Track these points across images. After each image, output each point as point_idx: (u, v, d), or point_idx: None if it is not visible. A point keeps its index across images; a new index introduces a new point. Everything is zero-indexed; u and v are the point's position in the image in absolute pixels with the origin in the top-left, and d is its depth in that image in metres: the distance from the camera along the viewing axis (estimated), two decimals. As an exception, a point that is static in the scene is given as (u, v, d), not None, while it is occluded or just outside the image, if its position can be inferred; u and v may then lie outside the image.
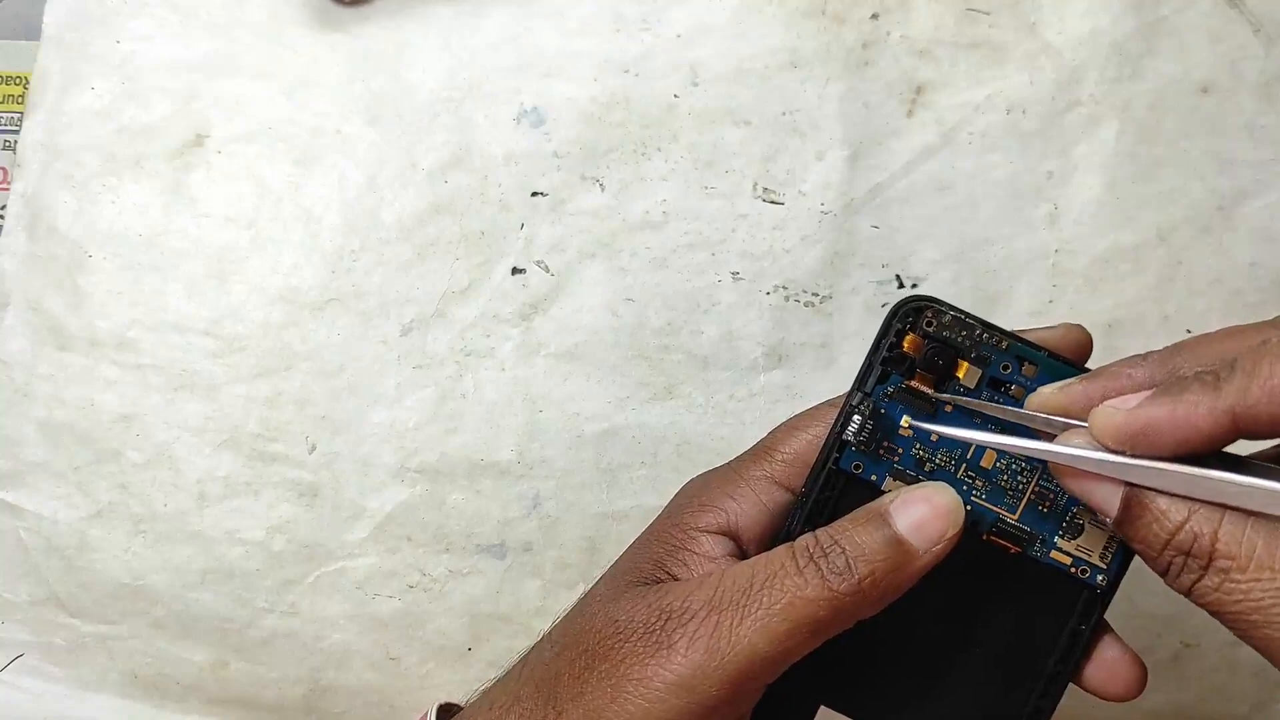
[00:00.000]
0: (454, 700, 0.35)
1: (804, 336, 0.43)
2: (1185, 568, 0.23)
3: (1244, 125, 0.42)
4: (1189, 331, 0.42)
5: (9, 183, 0.45)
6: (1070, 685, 0.28)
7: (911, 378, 0.28)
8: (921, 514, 0.25)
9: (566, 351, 0.43)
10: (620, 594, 0.27)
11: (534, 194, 0.43)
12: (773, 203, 0.43)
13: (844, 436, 0.28)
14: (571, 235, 0.43)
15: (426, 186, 0.43)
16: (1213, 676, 0.42)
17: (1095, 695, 0.28)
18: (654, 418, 0.43)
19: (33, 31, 0.45)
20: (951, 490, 0.26)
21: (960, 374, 0.27)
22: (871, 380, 0.28)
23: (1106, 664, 0.28)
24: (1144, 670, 0.28)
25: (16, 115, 0.46)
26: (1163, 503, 0.23)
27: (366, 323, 0.43)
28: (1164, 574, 0.24)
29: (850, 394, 0.28)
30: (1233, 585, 0.22)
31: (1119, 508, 0.24)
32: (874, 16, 0.43)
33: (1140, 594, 0.41)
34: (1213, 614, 0.23)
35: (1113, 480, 0.24)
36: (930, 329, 0.27)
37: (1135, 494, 0.23)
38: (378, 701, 0.43)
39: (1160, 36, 0.43)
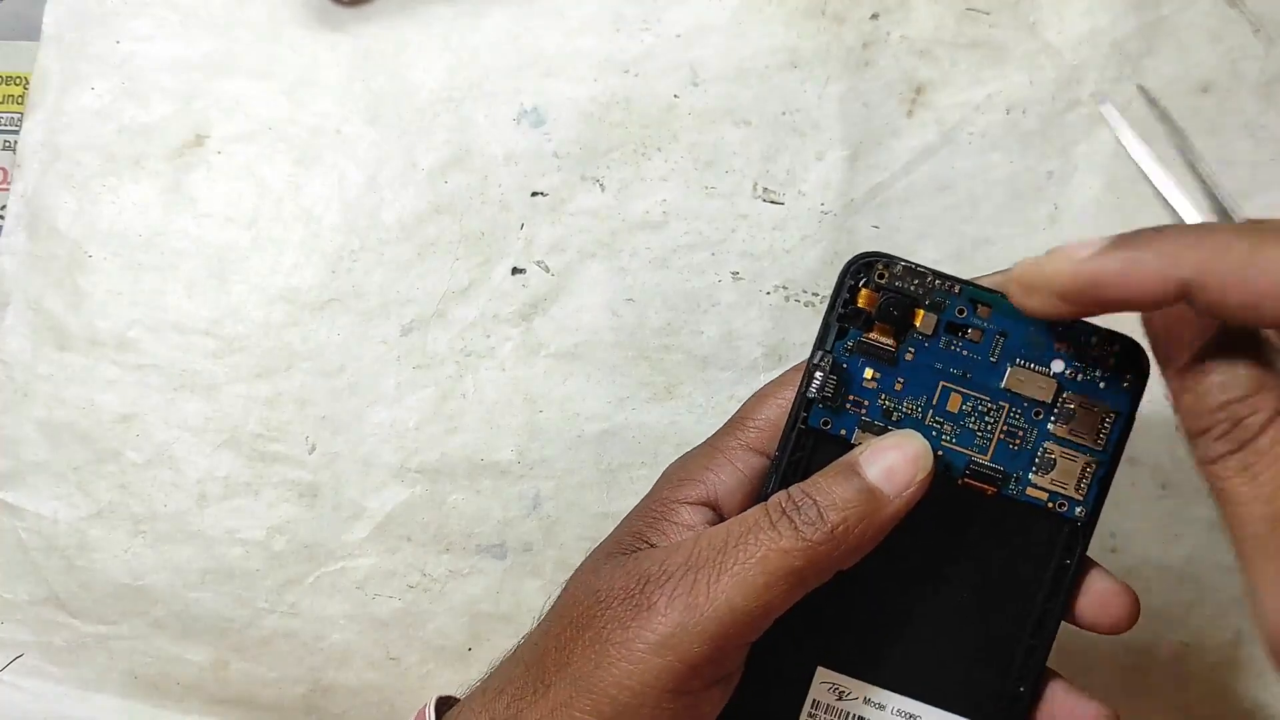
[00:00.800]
0: (452, 695, 0.35)
1: (804, 336, 0.43)
2: (1227, 437, 0.22)
3: (1244, 125, 0.42)
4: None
5: (9, 183, 0.45)
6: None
7: (870, 331, 0.28)
8: (890, 461, 0.26)
9: (566, 351, 0.43)
10: (600, 565, 0.28)
11: (534, 194, 0.43)
12: (773, 203, 0.43)
13: (809, 394, 0.28)
14: (571, 235, 0.43)
15: (426, 186, 0.43)
16: (1213, 676, 0.42)
17: (1091, 630, 0.28)
18: (654, 418, 0.43)
19: (33, 31, 0.45)
20: (919, 436, 0.27)
21: (917, 322, 0.28)
22: (831, 338, 0.28)
23: (1097, 597, 0.28)
24: (1135, 600, 0.28)
25: (16, 115, 0.46)
26: (1238, 368, 0.22)
27: (366, 323, 0.43)
28: (1201, 434, 0.23)
29: (812, 354, 0.29)
30: (1257, 472, 0.22)
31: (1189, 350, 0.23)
32: (874, 16, 0.43)
33: (1140, 592, 0.41)
34: (1218, 492, 0.23)
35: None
36: (883, 281, 0.28)
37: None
38: (378, 701, 0.43)
39: (1160, 36, 0.43)
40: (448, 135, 0.44)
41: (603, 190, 0.43)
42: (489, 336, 0.43)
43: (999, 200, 0.43)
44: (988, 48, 0.43)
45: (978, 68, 0.43)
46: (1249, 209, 0.42)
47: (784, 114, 0.43)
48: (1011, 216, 0.43)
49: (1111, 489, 0.28)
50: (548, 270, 0.43)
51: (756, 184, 0.43)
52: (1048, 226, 0.42)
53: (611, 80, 0.43)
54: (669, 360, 0.43)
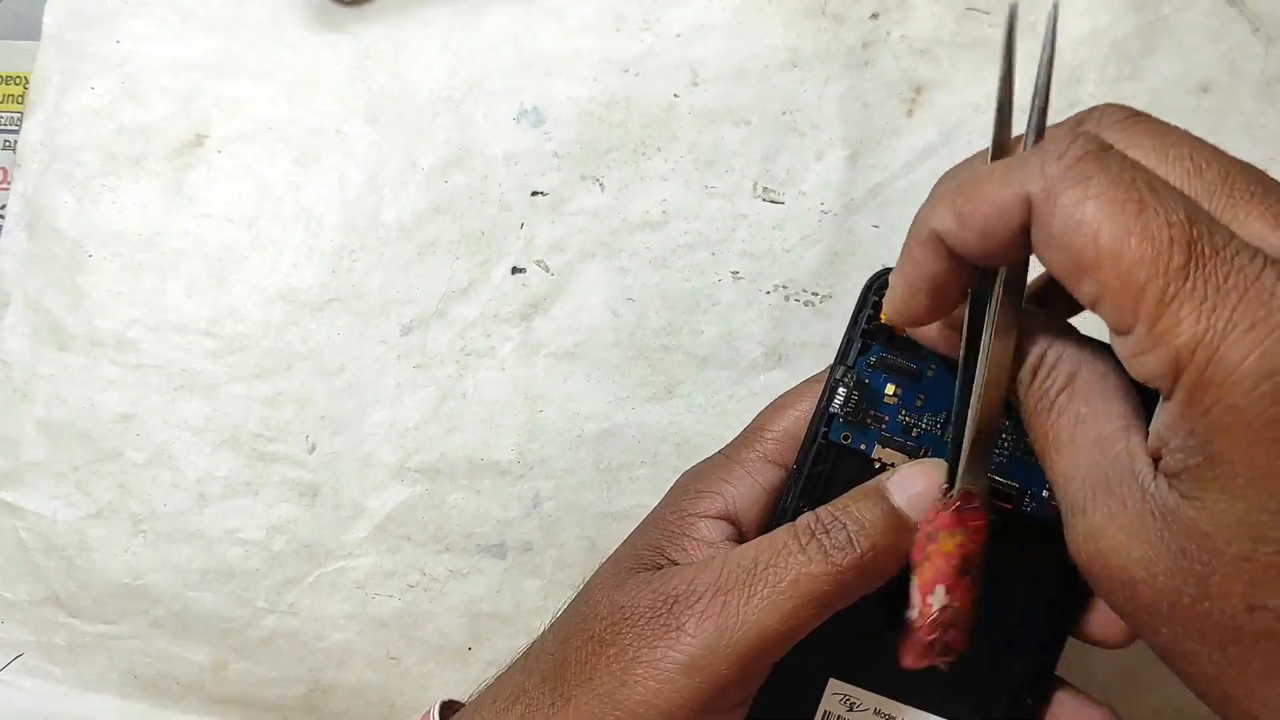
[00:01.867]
0: (456, 699, 0.35)
1: (804, 336, 0.43)
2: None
3: (1244, 125, 0.42)
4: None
5: (9, 183, 0.45)
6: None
7: (892, 347, 0.28)
8: (918, 488, 0.26)
9: (566, 351, 0.43)
10: (623, 581, 0.28)
11: (534, 194, 0.43)
12: (773, 202, 0.43)
13: (831, 410, 0.28)
14: (571, 235, 0.43)
15: (426, 186, 0.43)
16: (1213, 676, 0.42)
17: (1096, 645, 0.28)
18: (654, 418, 0.43)
19: (33, 31, 0.45)
20: (945, 465, 0.26)
21: None
22: (853, 353, 0.28)
23: (1106, 613, 0.28)
24: None
25: (16, 115, 0.46)
26: None
27: (366, 322, 0.43)
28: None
29: (833, 368, 0.28)
30: None
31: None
32: (874, 16, 0.43)
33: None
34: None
35: None
36: None
37: None
38: (378, 701, 0.43)
39: (1160, 36, 0.43)
40: (447, 135, 0.44)
41: (603, 190, 0.43)
42: (489, 336, 0.43)
43: (999, 200, 0.43)
44: (988, 47, 0.43)
45: (978, 68, 0.43)
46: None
47: (784, 114, 0.43)
48: (1011, 216, 0.43)
49: None
50: (548, 270, 0.43)
51: (756, 184, 0.43)
52: (1048, 226, 0.42)
53: (611, 80, 0.43)
54: (669, 360, 0.43)
